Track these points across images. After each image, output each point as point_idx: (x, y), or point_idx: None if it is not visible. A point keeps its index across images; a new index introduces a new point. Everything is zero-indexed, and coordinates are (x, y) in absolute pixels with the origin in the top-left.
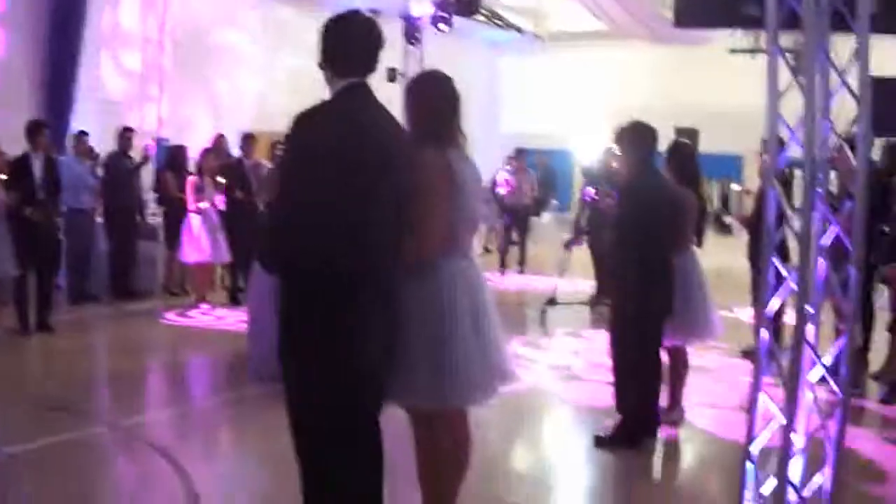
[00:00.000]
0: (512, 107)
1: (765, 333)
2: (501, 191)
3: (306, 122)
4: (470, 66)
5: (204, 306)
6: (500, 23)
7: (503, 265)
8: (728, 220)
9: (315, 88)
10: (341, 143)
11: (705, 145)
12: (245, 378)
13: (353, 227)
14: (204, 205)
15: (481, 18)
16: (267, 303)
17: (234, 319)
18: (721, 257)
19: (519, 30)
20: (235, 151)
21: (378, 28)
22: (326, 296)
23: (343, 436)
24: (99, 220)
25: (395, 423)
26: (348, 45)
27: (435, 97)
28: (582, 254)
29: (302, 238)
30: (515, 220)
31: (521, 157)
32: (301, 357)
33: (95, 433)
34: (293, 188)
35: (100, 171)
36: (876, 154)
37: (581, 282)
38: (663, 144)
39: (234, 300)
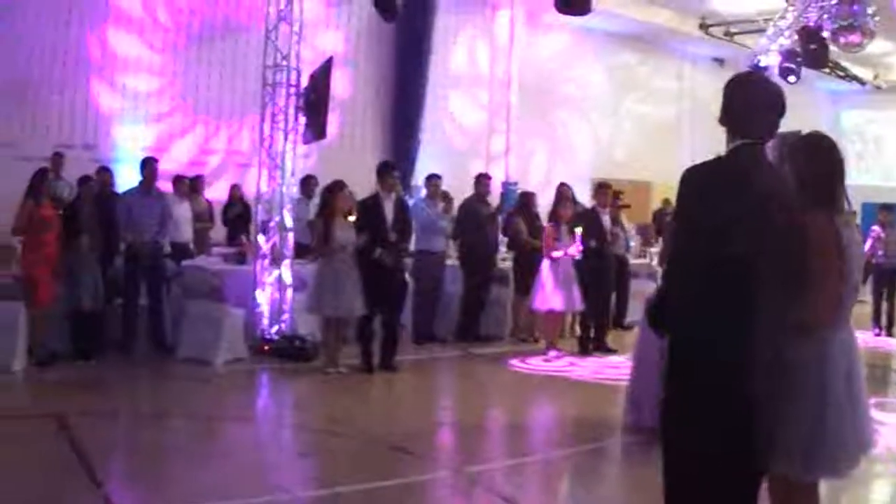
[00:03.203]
0: (852, 160)
1: None
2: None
3: (692, 179)
4: (812, 117)
5: (553, 354)
6: (842, 73)
7: (879, 325)
8: None
9: (661, 136)
10: (722, 201)
11: None
12: (591, 430)
13: (734, 290)
14: (558, 253)
15: (825, 69)
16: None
17: (583, 369)
18: None
19: (861, 81)
20: (580, 197)
21: (776, 92)
22: (713, 361)
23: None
24: (448, 262)
25: None
26: (742, 106)
27: (824, 160)
28: None
29: (682, 299)
30: (886, 279)
31: (889, 213)
32: (686, 421)
33: (437, 478)
34: (678, 248)
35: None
36: None
37: None
38: None
39: (584, 349)
